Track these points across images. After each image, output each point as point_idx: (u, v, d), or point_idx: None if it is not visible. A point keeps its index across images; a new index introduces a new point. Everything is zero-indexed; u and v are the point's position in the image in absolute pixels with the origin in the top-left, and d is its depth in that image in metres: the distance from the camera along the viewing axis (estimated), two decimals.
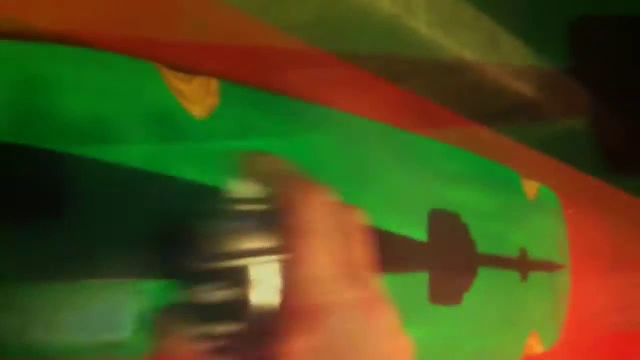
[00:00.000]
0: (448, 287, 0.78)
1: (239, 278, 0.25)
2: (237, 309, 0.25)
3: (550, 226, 1.02)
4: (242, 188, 0.27)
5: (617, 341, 1.22)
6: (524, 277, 0.93)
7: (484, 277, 0.82)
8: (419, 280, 0.73)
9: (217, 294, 0.25)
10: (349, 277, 0.26)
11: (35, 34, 0.46)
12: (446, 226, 0.79)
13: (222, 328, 0.25)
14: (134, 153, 0.43)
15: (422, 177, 0.76)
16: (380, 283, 0.28)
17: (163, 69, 0.52)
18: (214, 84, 0.55)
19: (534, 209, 0.98)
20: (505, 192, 0.93)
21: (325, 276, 0.25)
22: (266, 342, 0.24)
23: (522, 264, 0.93)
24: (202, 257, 0.26)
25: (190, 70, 0.54)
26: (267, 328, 0.24)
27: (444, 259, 0.78)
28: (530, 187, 0.98)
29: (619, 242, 1.33)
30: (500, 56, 1.13)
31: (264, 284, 0.25)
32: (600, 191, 1.32)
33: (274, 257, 0.25)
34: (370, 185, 0.69)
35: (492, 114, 1.22)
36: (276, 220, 0.26)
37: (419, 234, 0.74)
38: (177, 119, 0.51)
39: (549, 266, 1.00)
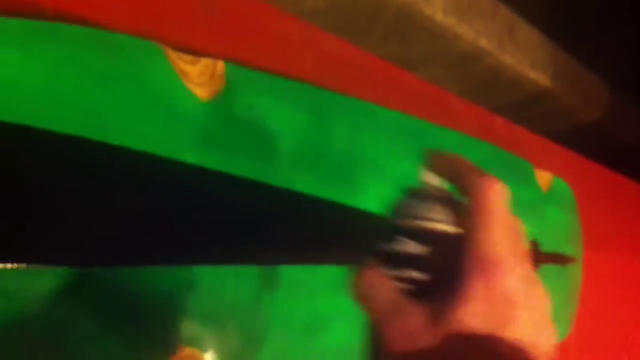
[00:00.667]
0: None
1: (426, 238, 0.32)
2: (424, 260, 0.32)
3: (563, 218, 1.01)
4: (430, 178, 0.35)
5: (628, 334, 1.21)
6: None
7: None
8: None
9: (410, 247, 0.32)
10: (515, 256, 0.31)
11: (35, 9, 0.45)
12: None
13: (411, 274, 0.32)
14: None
15: None
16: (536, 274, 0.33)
17: (168, 50, 0.51)
18: (220, 66, 0.54)
19: (546, 200, 0.97)
20: (518, 183, 0.92)
21: (498, 243, 0.31)
22: (447, 287, 0.30)
23: (533, 256, 0.92)
24: (400, 219, 0.33)
25: (196, 52, 0.53)
26: (448, 277, 0.31)
27: None
28: (544, 179, 0.97)
29: (632, 233, 1.32)
30: (517, 45, 1.11)
31: (446, 245, 0.32)
32: (614, 183, 1.31)
33: (454, 227, 0.32)
34: (381, 173, 0.68)
35: (507, 104, 1.21)
36: (456, 201, 0.33)
37: None
38: (181, 100, 0.50)
39: (560, 259, 0.99)
